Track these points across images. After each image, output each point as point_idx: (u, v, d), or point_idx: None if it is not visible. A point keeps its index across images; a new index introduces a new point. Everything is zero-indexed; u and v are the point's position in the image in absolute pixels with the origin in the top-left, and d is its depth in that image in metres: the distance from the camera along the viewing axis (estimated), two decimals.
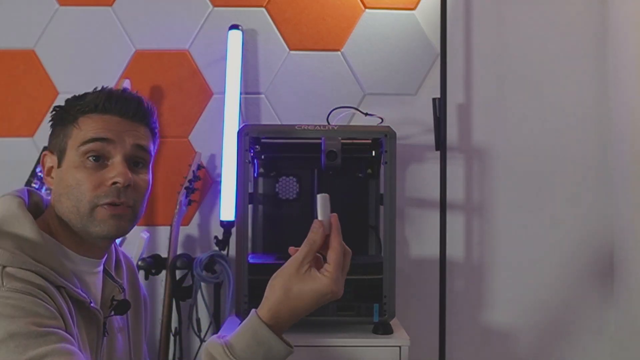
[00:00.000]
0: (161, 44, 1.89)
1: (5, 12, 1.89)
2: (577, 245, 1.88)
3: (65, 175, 0.98)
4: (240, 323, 1.43)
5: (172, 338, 1.73)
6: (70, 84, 1.89)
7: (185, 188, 1.74)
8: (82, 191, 0.96)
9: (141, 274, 1.73)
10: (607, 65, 1.89)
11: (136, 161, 1.02)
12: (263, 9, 1.90)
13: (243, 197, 1.48)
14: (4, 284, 0.85)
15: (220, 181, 1.80)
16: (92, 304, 0.97)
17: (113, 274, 1.08)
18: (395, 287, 1.46)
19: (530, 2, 1.91)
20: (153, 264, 1.73)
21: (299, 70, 1.89)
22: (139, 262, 1.70)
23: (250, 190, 1.65)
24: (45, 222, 1.00)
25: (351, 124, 1.83)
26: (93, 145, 0.97)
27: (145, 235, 1.76)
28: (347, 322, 1.47)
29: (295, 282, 0.88)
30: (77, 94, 1.04)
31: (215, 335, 0.90)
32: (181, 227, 1.82)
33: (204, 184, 1.87)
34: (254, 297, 1.42)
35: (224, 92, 1.82)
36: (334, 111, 1.72)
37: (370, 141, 1.63)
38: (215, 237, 1.78)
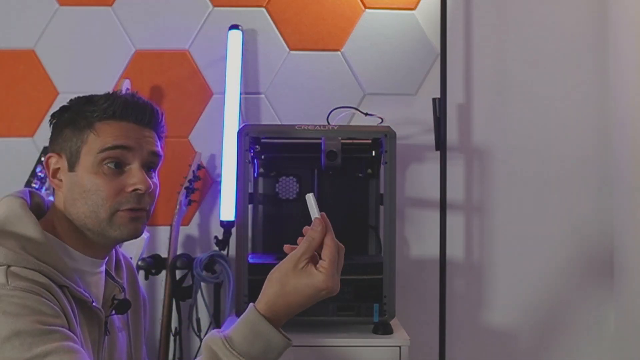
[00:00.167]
0: (161, 44, 1.89)
1: (5, 12, 1.89)
2: (577, 245, 1.88)
3: (82, 180, 0.98)
4: None
5: (172, 338, 1.73)
6: (70, 84, 1.89)
7: (185, 188, 1.74)
8: (102, 197, 0.97)
9: (141, 274, 1.74)
10: (607, 65, 1.89)
11: (149, 166, 1.04)
12: (263, 9, 1.90)
13: (243, 197, 1.48)
14: (9, 282, 0.86)
15: (220, 181, 1.80)
16: (94, 303, 0.98)
17: (113, 274, 1.09)
18: (395, 287, 1.46)
19: (530, 2, 1.91)
20: (153, 264, 1.73)
21: (299, 70, 1.89)
22: (139, 262, 1.70)
23: (250, 190, 1.65)
24: (49, 223, 1.00)
25: (351, 124, 1.83)
26: (113, 153, 0.98)
27: (145, 235, 1.76)
28: (347, 322, 1.47)
29: (292, 277, 0.89)
30: (81, 95, 1.04)
31: (214, 330, 0.91)
32: (181, 227, 1.82)
33: (204, 184, 1.87)
34: (254, 297, 1.40)
35: (224, 92, 1.82)
36: (334, 111, 1.72)
37: (370, 141, 1.63)
38: (215, 237, 1.78)
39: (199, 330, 1.75)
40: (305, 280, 0.89)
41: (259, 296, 0.91)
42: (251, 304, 0.91)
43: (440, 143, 1.76)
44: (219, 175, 1.82)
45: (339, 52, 1.90)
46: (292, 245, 0.94)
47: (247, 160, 1.48)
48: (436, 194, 1.80)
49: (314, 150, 1.53)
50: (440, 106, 1.76)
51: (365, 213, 1.70)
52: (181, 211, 1.73)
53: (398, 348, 1.39)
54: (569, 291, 1.87)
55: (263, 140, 1.62)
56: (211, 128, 1.87)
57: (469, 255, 1.88)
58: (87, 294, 0.96)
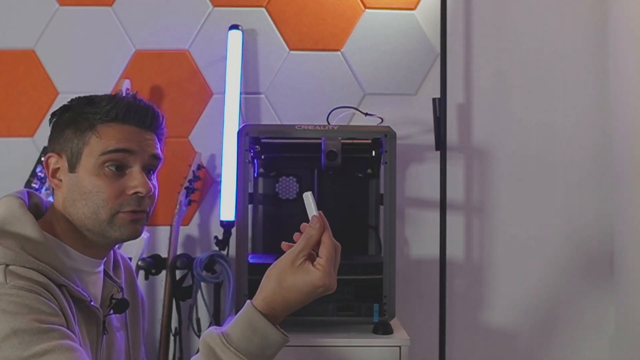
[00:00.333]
0: (161, 44, 1.89)
1: (5, 12, 1.89)
2: (577, 245, 1.88)
3: (82, 181, 0.98)
4: None
5: (172, 338, 1.73)
6: (70, 84, 1.89)
7: (185, 188, 1.74)
8: (103, 198, 0.98)
9: (141, 274, 1.74)
10: (607, 65, 1.89)
11: (149, 169, 1.04)
12: (263, 9, 1.90)
13: (243, 197, 1.48)
14: (8, 281, 0.86)
15: (220, 181, 1.80)
16: (92, 303, 0.98)
17: (111, 274, 1.10)
18: (395, 287, 1.46)
19: (530, 2, 1.91)
20: (153, 264, 1.73)
21: (299, 70, 1.89)
22: (139, 262, 1.70)
23: (250, 190, 1.65)
24: (48, 223, 1.00)
25: (351, 124, 1.83)
26: (115, 155, 0.98)
27: (145, 235, 1.76)
28: (347, 322, 1.47)
29: (290, 273, 0.90)
30: (82, 96, 1.04)
31: (212, 327, 0.91)
32: (181, 227, 1.82)
33: (204, 184, 1.87)
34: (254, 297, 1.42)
35: (224, 92, 1.82)
36: (334, 111, 1.72)
37: (370, 141, 1.63)
38: (215, 237, 1.78)
39: (199, 330, 1.75)
40: (303, 278, 0.89)
41: (257, 293, 0.92)
42: (248, 301, 0.91)
43: (440, 143, 1.76)
44: (219, 175, 1.82)
45: (339, 52, 1.90)
46: (289, 243, 0.94)
47: (247, 160, 1.48)
48: (436, 194, 1.80)
49: (314, 150, 1.53)
50: (440, 106, 1.76)
51: (365, 213, 1.70)
52: (181, 211, 1.74)
53: (398, 348, 1.39)
54: (569, 291, 1.87)
55: (263, 140, 1.62)
56: (211, 128, 1.87)
57: (469, 255, 1.88)
58: (85, 293, 0.96)
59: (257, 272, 1.43)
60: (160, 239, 1.86)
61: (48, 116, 1.91)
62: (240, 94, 1.84)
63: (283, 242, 0.95)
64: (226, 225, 1.76)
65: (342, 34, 1.90)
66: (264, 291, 0.90)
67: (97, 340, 1.01)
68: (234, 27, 1.84)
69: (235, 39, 1.84)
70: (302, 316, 1.45)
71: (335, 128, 1.52)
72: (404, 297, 1.80)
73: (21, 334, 0.81)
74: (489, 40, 1.90)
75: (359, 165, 1.68)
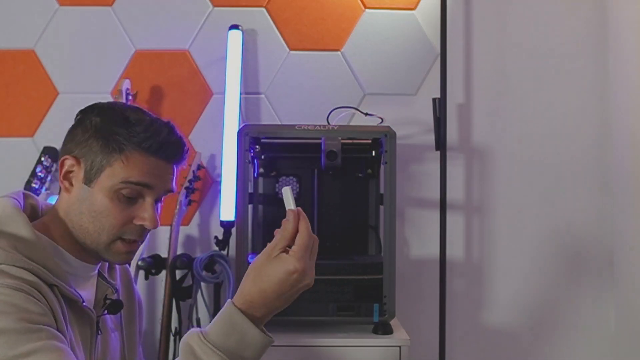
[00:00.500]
0: (161, 44, 1.89)
1: (5, 12, 1.89)
2: (577, 244, 1.88)
3: (95, 199, 0.97)
4: None
5: (172, 338, 1.73)
6: (70, 84, 1.89)
7: (185, 188, 1.74)
8: (111, 223, 0.98)
9: (141, 274, 1.74)
10: (607, 65, 1.89)
11: (160, 199, 1.04)
12: (263, 9, 1.90)
13: (243, 197, 1.48)
14: None
15: (220, 181, 1.80)
16: (84, 303, 0.98)
17: (106, 275, 1.10)
18: (395, 287, 1.46)
19: (530, 2, 1.91)
20: (153, 264, 1.73)
21: (299, 70, 1.89)
22: (139, 262, 1.70)
23: (250, 190, 1.65)
24: (44, 224, 1.00)
25: (351, 124, 1.83)
26: (135, 187, 0.98)
27: None
28: (347, 322, 1.47)
29: (266, 265, 0.90)
30: (116, 107, 1.01)
31: (194, 327, 0.91)
32: (181, 227, 1.82)
33: (204, 184, 1.87)
34: None
35: (224, 92, 1.82)
36: (334, 111, 1.72)
37: (370, 141, 1.63)
38: (215, 237, 1.78)
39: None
40: (276, 266, 0.89)
41: (237, 290, 0.92)
42: (229, 299, 0.91)
43: (440, 143, 1.76)
44: (219, 175, 1.82)
45: (339, 52, 1.90)
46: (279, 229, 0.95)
47: (247, 160, 1.48)
48: (436, 194, 1.80)
49: (314, 150, 1.53)
50: (440, 106, 1.76)
51: (365, 213, 1.70)
52: (181, 211, 1.73)
53: (398, 348, 1.39)
54: (569, 291, 1.87)
55: (263, 140, 1.62)
56: (211, 128, 1.87)
57: (469, 255, 1.88)
58: (77, 294, 0.96)
59: None
60: (160, 239, 1.86)
61: (48, 116, 1.92)
62: (240, 94, 1.84)
63: (276, 230, 0.95)
64: (226, 225, 1.76)
65: (342, 34, 1.90)
66: (242, 288, 0.91)
67: (90, 341, 1.01)
68: (234, 27, 1.84)
69: (235, 39, 1.84)
70: (302, 316, 1.45)
71: (335, 128, 1.52)
72: (404, 297, 1.80)
73: (8, 333, 0.81)
74: (489, 40, 1.90)
75: (359, 165, 1.68)
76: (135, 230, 1.00)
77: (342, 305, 1.45)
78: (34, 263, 0.90)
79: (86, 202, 0.98)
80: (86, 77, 1.88)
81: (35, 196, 1.07)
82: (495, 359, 1.87)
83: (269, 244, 0.92)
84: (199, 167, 1.80)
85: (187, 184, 1.74)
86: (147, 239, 1.75)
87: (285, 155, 1.67)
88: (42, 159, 1.80)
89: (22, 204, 1.00)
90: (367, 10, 1.91)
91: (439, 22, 1.80)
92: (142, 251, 1.73)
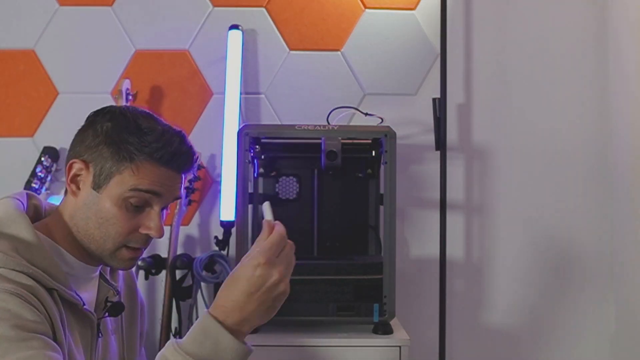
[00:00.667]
0: (161, 44, 1.89)
1: (5, 12, 1.89)
2: (576, 244, 1.88)
3: (103, 206, 0.96)
4: None
5: (172, 338, 1.73)
6: (70, 84, 1.89)
7: (185, 188, 1.74)
8: (117, 231, 0.97)
9: (141, 274, 1.74)
10: (607, 65, 1.89)
11: (166, 206, 1.04)
12: (263, 9, 1.90)
13: (243, 197, 1.48)
14: None
15: (220, 181, 1.80)
16: (84, 306, 0.97)
17: (108, 277, 1.09)
18: (395, 287, 1.46)
19: (530, 2, 1.91)
20: (153, 264, 1.73)
21: (299, 70, 1.89)
22: (139, 262, 1.70)
23: (250, 190, 1.65)
24: (46, 226, 0.99)
25: (351, 124, 1.83)
26: (144, 195, 0.97)
27: None
28: (347, 322, 1.47)
29: (236, 269, 0.90)
30: (128, 112, 1.00)
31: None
32: (181, 227, 1.82)
33: (204, 184, 1.87)
34: None
35: (224, 92, 1.82)
36: (334, 111, 1.72)
37: (370, 141, 1.63)
38: (215, 237, 1.78)
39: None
40: (244, 266, 0.88)
41: None
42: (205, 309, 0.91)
43: (440, 143, 1.76)
44: (219, 175, 1.82)
45: (339, 52, 1.90)
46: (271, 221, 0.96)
47: (247, 160, 1.48)
48: (436, 194, 1.80)
49: (314, 150, 1.53)
50: (440, 106, 1.76)
51: (365, 213, 1.70)
52: (181, 211, 1.73)
53: (398, 348, 1.39)
54: (569, 291, 1.87)
55: (263, 140, 1.62)
56: (211, 128, 1.87)
57: (469, 255, 1.88)
58: (77, 297, 0.95)
59: None
60: (160, 239, 1.85)
61: (48, 116, 1.92)
62: (240, 94, 1.84)
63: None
64: (226, 225, 1.76)
65: (342, 34, 1.90)
66: (217, 296, 0.90)
67: (91, 344, 1.00)
68: (234, 27, 1.84)
69: (235, 39, 1.84)
70: (302, 316, 1.45)
71: (335, 128, 1.52)
72: (404, 297, 1.80)
73: (0, 340, 0.80)
74: (489, 40, 1.90)
75: (359, 165, 1.68)
76: (140, 238, 1.00)
77: (342, 305, 1.45)
78: (33, 267, 0.89)
79: (93, 207, 0.97)
80: (86, 77, 1.88)
81: (38, 197, 1.06)
82: (495, 359, 1.87)
83: (244, 256, 0.92)
84: (199, 167, 1.80)
85: (187, 184, 1.74)
86: None
87: (285, 155, 1.67)
88: (42, 159, 1.80)
89: (25, 204, 1.00)
90: (367, 10, 1.91)
91: (439, 22, 1.80)
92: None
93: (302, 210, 1.68)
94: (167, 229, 1.76)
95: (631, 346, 1.75)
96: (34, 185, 1.77)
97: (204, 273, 1.70)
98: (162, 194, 0.99)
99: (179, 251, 1.81)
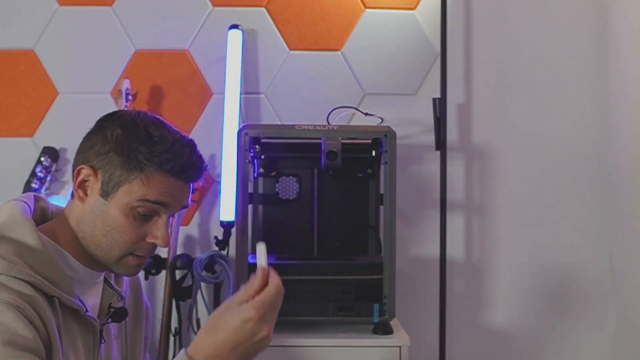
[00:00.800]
0: (161, 44, 1.89)
1: (5, 12, 1.89)
2: (576, 244, 1.88)
3: (110, 214, 0.96)
4: None
5: (172, 338, 1.73)
6: (70, 84, 1.89)
7: None
8: (124, 239, 0.96)
9: (141, 274, 1.73)
10: (607, 65, 1.89)
11: (173, 215, 1.03)
12: (263, 9, 1.90)
13: (243, 197, 1.48)
14: None
15: (220, 181, 1.79)
16: (87, 313, 0.97)
17: (112, 282, 1.08)
18: (395, 287, 1.46)
19: (530, 2, 1.91)
20: (153, 264, 1.72)
21: (299, 70, 1.89)
22: None
23: (250, 190, 1.65)
24: (51, 230, 0.98)
25: (351, 124, 1.83)
26: (151, 206, 0.96)
27: None
28: (347, 323, 1.47)
29: (223, 315, 0.88)
30: (138, 118, 0.98)
31: None
32: (181, 227, 1.82)
33: (203, 184, 1.87)
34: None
35: (224, 92, 1.82)
36: (334, 111, 1.72)
37: (370, 141, 1.63)
38: (215, 237, 1.78)
39: (199, 330, 1.74)
40: (233, 314, 0.87)
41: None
42: (184, 348, 0.90)
43: (440, 143, 1.76)
44: (219, 175, 1.82)
45: (339, 52, 1.90)
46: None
47: (247, 160, 1.48)
48: (436, 194, 1.80)
49: (314, 150, 1.53)
50: (440, 106, 1.76)
51: (365, 213, 1.70)
52: (181, 211, 1.73)
53: (398, 348, 1.39)
54: (569, 291, 1.87)
55: (263, 140, 1.62)
56: (211, 128, 1.86)
57: (469, 255, 1.88)
58: (80, 304, 0.95)
59: None
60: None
61: (48, 116, 1.92)
62: (240, 94, 1.84)
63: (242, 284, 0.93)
64: (226, 225, 1.76)
65: (342, 34, 1.90)
66: (197, 337, 0.89)
67: (94, 350, 0.99)
68: (234, 27, 1.84)
69: (235, 38, 1.84)
70: (302, 316, 1.46)
71: (335, 128, 1.52)
72: (404, 297, 1.80)
73: None
74: (489, 40, 1.90)
75: (359, 165, 1.68)
76: (146, 247, 0.99)
77: (342, 305, 1.45)
78: (34, 274, 0.88)
79: (100, 215, 0.96)
80: (86, 77, 1.88)
81: (45, 199, 1.06)
82: (495, 359, 1.87)
83: (230, 297, 0.90)
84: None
85: None
86: None
87: (285, 155, 1.67)
88: (42, 159, 1.80)
89: (32, 207, 0.99)
90: (367, 10, 1.91)
91: (439, 22, 1.80)
92: None
93: (302, 210, 1.68)
94: None
95: (631, 347, 1.75)
96: (33, 185, 1.77)
97: (203, 273, 1.70)
98: (170, 204, 0.98)
99: (179, 251, 1.81)
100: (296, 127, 1.50)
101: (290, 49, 1.90)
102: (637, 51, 1.72)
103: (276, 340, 1.38)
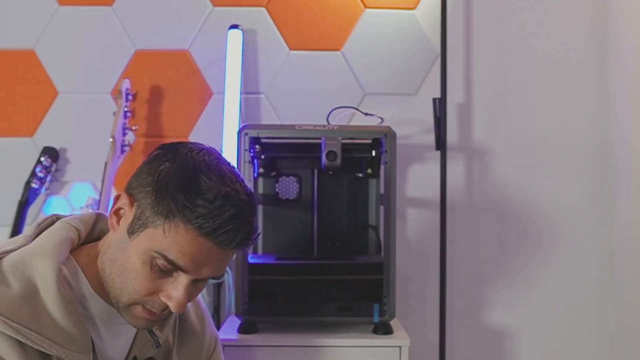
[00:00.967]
0: (161, 44, 1.89)
1: (5, 12, 1.89)
2: (576, 244, 1.88)
3: (130, 255, 0.85)
4: (241, 323, 1.44)
5: None
6: (70, 84, 1.88)
7: None
8: (135, 288, 0.85)
9: None
10: (607, 65, 1.89)
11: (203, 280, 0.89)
12: (263, 9, 1.90)
13: None
14: None
15: None
16: None
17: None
18: (395, 287, 1.46)
19: (531, 3, 1.91)
20: None
21: (299, 70, 1.89)
22: None
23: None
24: (88, 256, 0.91)
25: (351, 124, 1.83)
26: (167, 264, 0.83)
27: None
28: (347, 323, 1.46)
29: None
30: (196, 157, 0.85)
31: None
32: None
33: None
34: (254, 297, 1.42)
35: (224, 92, 1.82)
36: (334, 111, 1.72)
37: (370, 141, 1.63)
38: None
39: None
40: None
41: None
42: None
43: (440, 143, 1.76)
44: None
45: (339, 52, 1.90)
46: None
47: (247, 160, 1.48)
48: (436, 194, 1.79)
49: (314, 150, 1.53)
50: (440, 106, 1.76)
51: (365, 213, 1.70)
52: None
53: (398, 348, 1.39)
54: (569, 291, 1.87)
55: (263, 140, 1.61)
56: (211, 128, 1.86)
57: (469, 255, 1.88)
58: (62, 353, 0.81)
59: (257, 272, 1.43)
60: None
61: (48, 116, 1.92)
62: (240, 93, 1.84)
63: None
64: None
65: (342, 34, 1.90)
66: None
67: None
68: (234, 26, 1.84)
69: (235, 38, 1.84)
70: (302, 316, 1.45)
71: (335, 128, 1.52)
72: (404, 297, 1.80)
73: None
74: (489, 40, 1.90)
75: (359, 165, 1.68)
76: (158, 304, 0.86)
77: (342, 305, 1.45)
78: (28, 330, 0.78)
79: (121, 252, 0.86)
80: (86, 77, 1.88)
81: (107, 217, 0.94)
82: (495, 359, 1.87)
83: None
84: None
85: None
86: None
87: (285, 155, 1.67)
88: (42, 159, 1.80)
89: (83, 231, 0.92)
90: (367, 10, 1.90)
91: (439, 22, 1.80)
92: None
93: (302, 210, 1.68)
94: None
95: (631, 346, 1.75)
96: (33, 185, 1.77)
97: None
98: (190, 270, 0.84)
99: None
100: (296, 127, 1.50)
101: (290, 49, 1.90)
102: (638, 51, 1.72)
103: (276, 340, 1.39)
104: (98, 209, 1.68)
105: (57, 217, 0.95)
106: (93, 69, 1.88)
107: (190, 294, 0.87)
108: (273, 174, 1.69)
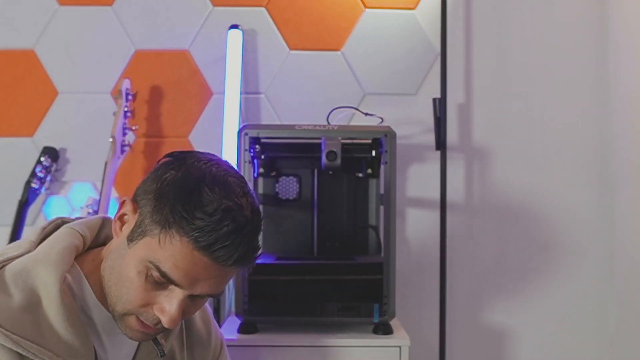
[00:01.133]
0: (161, 44, 1.89)
1: (5, 12, 1.89)
2: (577, 244, 1.88)
3: (127, 261, 0.82)
4: (241, 323, 1.44)
5: None
6: (70, 84, 1.88)
7: None
8: (128, 297, 0.82)
9: None
10: (607, 65, 1.89)
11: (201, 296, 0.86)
12: (263, 9, 1.90)
13: None
14: None
15: None
16: None
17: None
18: (395, 287, 1.46)
19: (531, 3, 1.91)
20: None
21: (299, 70, 1.89)
22: None
23: None
24: (93, 262, 0.89)
25: (351, 124, 1.83)
26: (161, 277, 0.80)
27: None
28: (347, 323, 1.47)
29: None
30: (204, 169, 0.82)
31: None
32: None
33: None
34: (254, 297, 1.42)
35: (223, 92, 1.82)
36: (334, 111, 1.72)
37: (370, 141, 1.63)
38: None
39: None
40: None
41: None
42: None
43: (440, 143, 1.76)
44: None
45: (339, 52, 1.90)
46: None
47: (247, 160, 1.48)
48: (436, 194, 1.79)
49: (314, 150, 1.53)
50: (440, 106, 1.76)
51: (365, 213, 1.70)
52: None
53: (398, 348, 1.39)
54: (570, 291, 1.87)
55: (263, 140, 1.61)
56: (211, 128, 1.86)
57: (469, 255, 1.88)
58: None
59: (257, 272, 1.42)
60: None
61: (48, 116, 1.92)
62: (240, 93, 1.84)
63: None
64: None
65: (342, 34, 1.90)
66: None
67: None
68: (234, 26, 1.84)
69: (235, 38, 1.84)
70: (303, 316, 1.45)
71: (335, 128, 1.52)
72: (404, 297, 1.80)
73: None
74: (489, 40, 1.90)
75: (359, 165, 1.68)
76: (151, 316, 0.83)
77: (342, 305, 1.45)
78: (26, 340, 0.76)
79: (119, 260, 0.84)
80: (86, 77, 1.88)
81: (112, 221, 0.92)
82: (495, 359, 1.87)
83: None
84: None
85: None
86: None
87: (285, 155, 1.67)
88: (42, 159, 1.80)
89: (89, 236, 0.90)
90: (367, 10, 1.90)
91: (439, 22, 1.80)
92: None
93: (302, 210, 1.68)
94: None
95: (631, 346, 1.75)
96: (33, 185, 1.77)
97: None
98: (183, 286, 0.80)
99: None
100: (296, 127, 1.50)
101: (290, 49, 1.90)
102: (638, 51, 1.72)
103: (276, 341, 1.39)
104: (98, 209, 1.68)
105: (63, 221, 0.94)
106: (93, 69, 1.88)
107: (186, 309, 0.84)
108: (273, 174, 1.69)
